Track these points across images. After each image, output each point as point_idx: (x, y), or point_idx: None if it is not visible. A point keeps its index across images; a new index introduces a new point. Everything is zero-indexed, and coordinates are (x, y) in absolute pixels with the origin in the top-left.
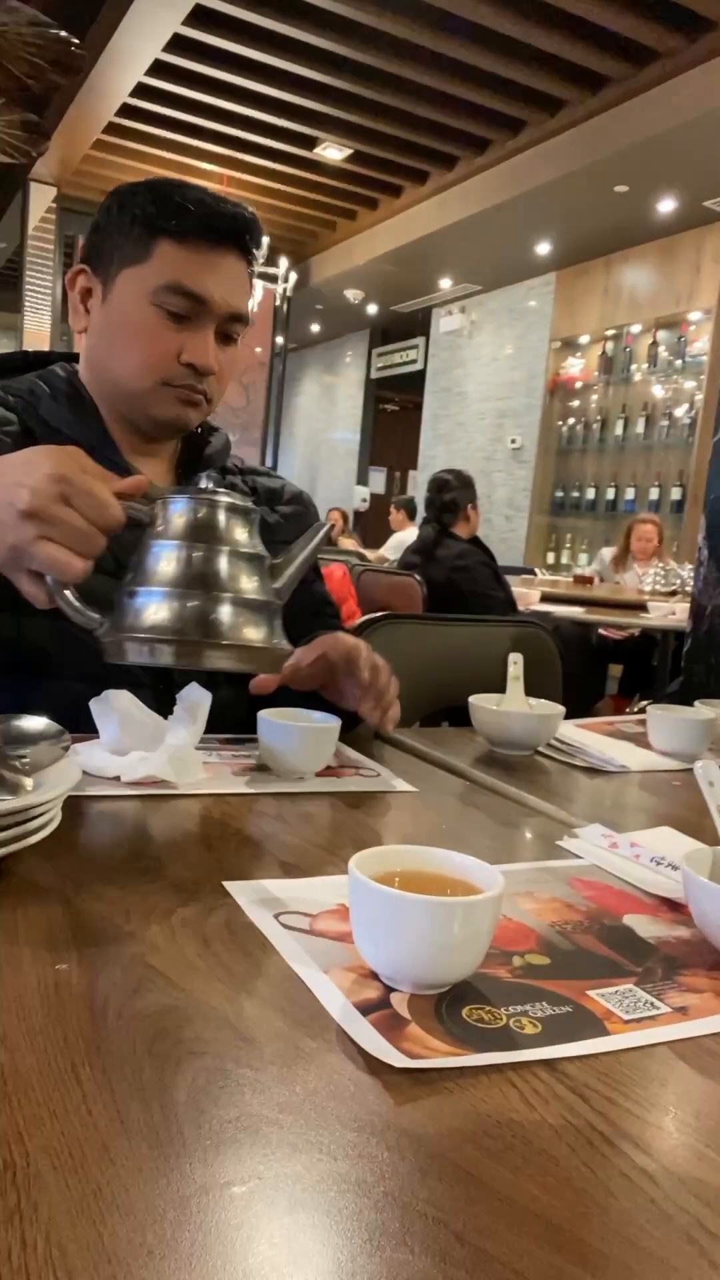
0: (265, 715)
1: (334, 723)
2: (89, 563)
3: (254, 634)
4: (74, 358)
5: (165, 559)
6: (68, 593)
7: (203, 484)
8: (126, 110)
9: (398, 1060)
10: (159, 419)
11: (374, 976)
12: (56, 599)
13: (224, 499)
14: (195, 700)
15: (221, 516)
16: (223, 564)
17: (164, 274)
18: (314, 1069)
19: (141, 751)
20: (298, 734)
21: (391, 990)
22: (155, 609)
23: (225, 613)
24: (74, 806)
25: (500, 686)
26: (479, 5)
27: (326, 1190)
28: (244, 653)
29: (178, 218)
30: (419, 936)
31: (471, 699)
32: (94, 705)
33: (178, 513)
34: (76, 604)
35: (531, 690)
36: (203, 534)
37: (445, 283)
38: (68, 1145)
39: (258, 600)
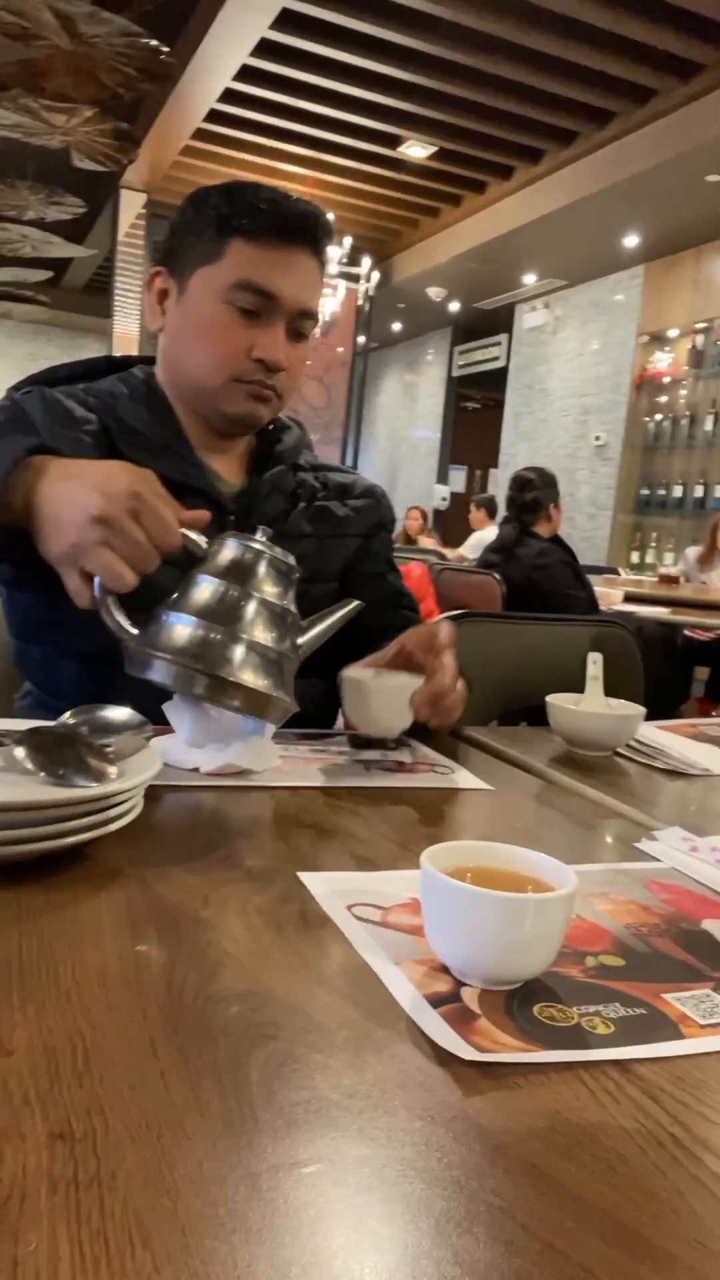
0: (347, 674)
1: (415, 681)
2: (138, 578)
3: (260, 680)
4: (153, 361)
5: (202, 590)
6: (111, 601)
7: (259, 534)
8: (214, 116)
9: (467, 1053)
10: (230, 415)
11: (445, 970)
12: (99, 604)
13: (268, 552)
14: None
15: (262, 567)
16: (250, 609)
17: (235, 272)
18: (383, 1057)
19: (218, 744)
20: (378, 690)
21: (462, 985)
22: (179, 632)
23: (238, 652)
24: (154, 795)
25: (579, 686)
26: None
27: (393, 1175)
28: (247, 695)
29: (249, 217)
30: (490, 932)
31: (549, 698)
32: (167, 707)
33: (226, 552)
34: (117, 613)
35: (611, 691)
36: (241, 577)
37: (529, 278)
38: (145, 1118)
39: (274, 650)
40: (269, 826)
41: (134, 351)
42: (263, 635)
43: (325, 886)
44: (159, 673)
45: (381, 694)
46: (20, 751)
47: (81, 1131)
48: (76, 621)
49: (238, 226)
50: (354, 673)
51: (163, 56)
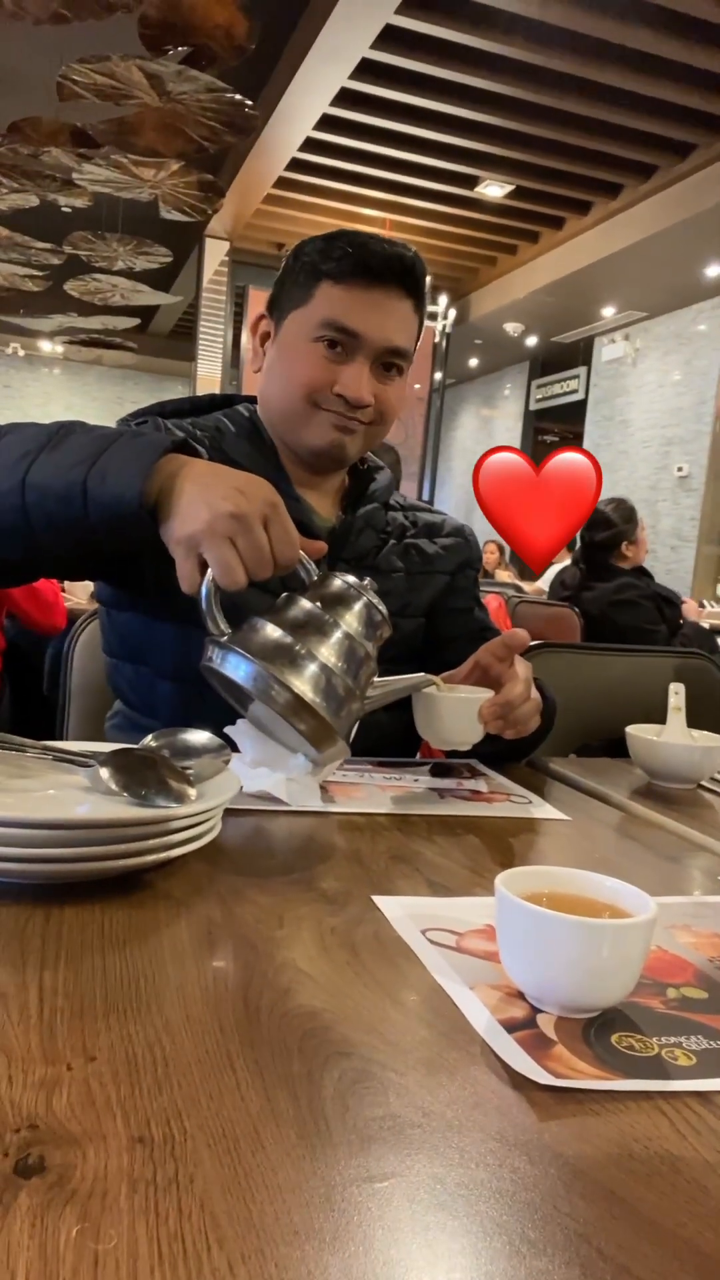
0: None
1: (484, 694)
2: (247, 581)
3: (325, 705)
4: (255, 400)
5: (298, 609)
6: (214, 596)
7: (366, 581)
8: (295, 164)
9: (543, 1078)
10: (315, 447)
11: (520, 996)
12: (203, 596)
13: (370, 598)
14: None
15: (359, 606)
16: (337, 638)
17: (321, 312)
18: (457, 1079)
19: (266, 769)
20: (448, 703)
21: (538, 1011)
22: (268, 636)
23: (312, 670)
24: (232, 817)
25: (660, 718)
26: (638, 30)
27: (467, 1194)
28: (309, 716)
29: (337, 261)
30: (566, 958)
31: (629, 729)
32: (230, 731)
33: (332, 584)
34: (215, 608)
35: (695, 722)
36: (338, 611)
37: (608, 311)
38: (222, 1126)
39: (347, 685)
40: (343, 851)
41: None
42: (340, 665)
43: (400, 910)
44: (236, 669)
45: (449, 705)
46: (105, 772)
47: (160, 1136)
48: (171, 642)
49: (326, 270)
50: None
51: (247, 110)
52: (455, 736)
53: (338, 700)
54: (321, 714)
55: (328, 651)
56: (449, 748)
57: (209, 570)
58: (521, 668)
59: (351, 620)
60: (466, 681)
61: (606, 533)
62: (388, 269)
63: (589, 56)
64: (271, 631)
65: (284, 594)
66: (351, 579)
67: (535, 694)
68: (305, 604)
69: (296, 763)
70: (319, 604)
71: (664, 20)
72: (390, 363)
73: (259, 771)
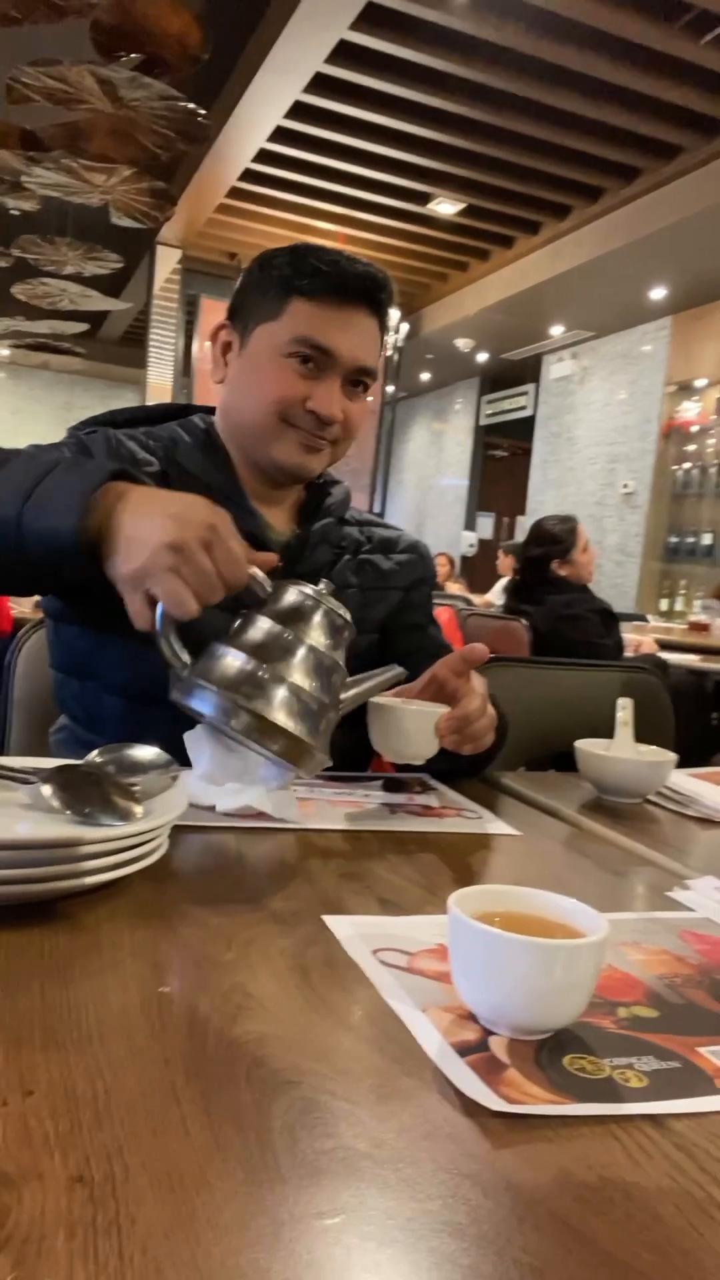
0: (372, 700)
1: (440, 709)
2: (200, 608)
3: (297, 726)
4: (213, 410)
5: (259, 630)
6: (170, 628)
7: (322, 586)
8: (248, 174)
9: (495, 1104)
10: (282, 464)
11: (472, 1018)
12: (158, 630)
13: (328, 604)
14: None
15: (319, 617)
16: (301, 654)
17: (294, 328)
18: (409, 1107)
19: (236, 784)
20: (404, 716)
21: (490, 1033)
22: (230, 665)
23: (283, 695)
24: (179, 835)
25: (608, 732)
26: (588, 55)
27: (419, 1229)
28: (287, 740)
29: (310, 277)
30: (518, 979)
31: (578, 743)
32: (188, 737)
33: (288, 597)
34: (174, 640)
35: (642, 737)
36: (297, 623)
37: (557, 329)
38: (165, 1163)
39: (319, 700)
40: (293, 869)
41: (168, 401)
42: (309, 683)
43: (351, 930)
44: (204, 703)
45: (405, 718)
46: (47, 789)
47: (101, 1175)
48: (120, 657)
49: (298, 286)
50: (379, 699)
51: (200, 119)
52: (411, 750)
53: (312, 718)
54: (297, 735)
55: (294, 670)
56: (404, 761)
57: (159, 603)
58: (478, 683)
59: (313, 632)
60: (421, 696)
61: (539, 550)
62: (360, 287)
63: (541, 79)
64: (233, 660)
65: (241, 613)
66: (308, 588)
67: (490, 709)
68: (264, 623)
69: (268, 773)
70: (279, 619)
71: (613, 46)
72: (358, 380)
73: (229, 788)
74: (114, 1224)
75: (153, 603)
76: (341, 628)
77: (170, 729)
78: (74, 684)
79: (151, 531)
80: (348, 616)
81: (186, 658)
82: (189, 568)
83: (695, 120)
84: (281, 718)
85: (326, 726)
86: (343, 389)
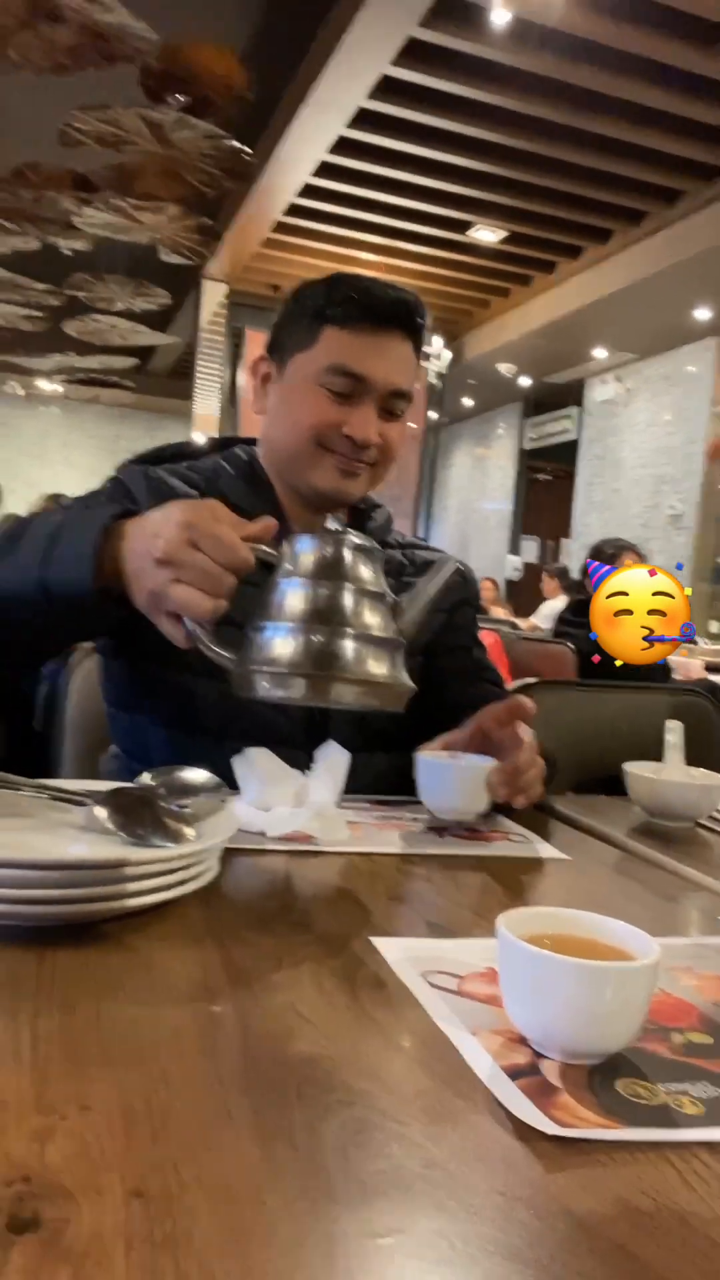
0: (421, 756)
1: (489, 763)
2: (219, 601)
3: (377, 669)
4: (255, 442)
5: (291, 596)
6: (202, 632)
7: (329, 524)
8: (292, 209)
9: (549, 1127)
10: (321, 489)
11: (523, 1042)
12: (193, 638)
13: (349, 537)
14: (334, 759)
15: (347, 554)
16: (347, 600)
17: (328, 356)
18: (460, 1128)
19: (285, 808)
20: (452, 774)
21: (541, 1057)
22: (281, 644)
23: (348, 647)
24: (229, 857)
25: (657, 756)
26: (628, 81)
27: (473, 1251)
28: (366, 687)
29: (342, 305)
30: (569, 1002)
31: (627, 766)
32: (236, 762)
33: (304, 552)
34: (211, 643)
35: (692, 761)
36: (328, 571)
37: (600, 352)
38: (220, 1179)
39: (380, 637)
40: (342, 891)
41: (214, 432)
42: (365, 623)
43: (400, 953)
44: (269, 687)
45: (455, 777)
46: (101, 812)
47: (157, 1190)
48: (167, 690)
49: (331, 315)
50: (428, 755)
51: (245, 157)
52: (462, 805)
53: (377, 656)
54: (371, 679)
55: (344, 617)
56: (455, 818)
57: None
58: (525, 732)
59: (346, 571)
60: (469, 747)
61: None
62: (392, 313)
63: (580, 105)
64: (275, 633)
65: (267, 582)
66: (317, 534)
67: (541, 761)
68: (290, 584)
69: (316, 795)
70: (303, 576)
71: (650, 70)
72: (393, 404)
73: (278, 813)
74: (171, 1238)
75: (178, 617)
76: (370, 550)
77: (218, 760)
78: (124, 718)
79: (142, 557)
80: (372, 541)
81: (229, 654)
82: (186, 572)
83: None
84: (352, 670)
85: (399, 657)
86: (379, 413)
